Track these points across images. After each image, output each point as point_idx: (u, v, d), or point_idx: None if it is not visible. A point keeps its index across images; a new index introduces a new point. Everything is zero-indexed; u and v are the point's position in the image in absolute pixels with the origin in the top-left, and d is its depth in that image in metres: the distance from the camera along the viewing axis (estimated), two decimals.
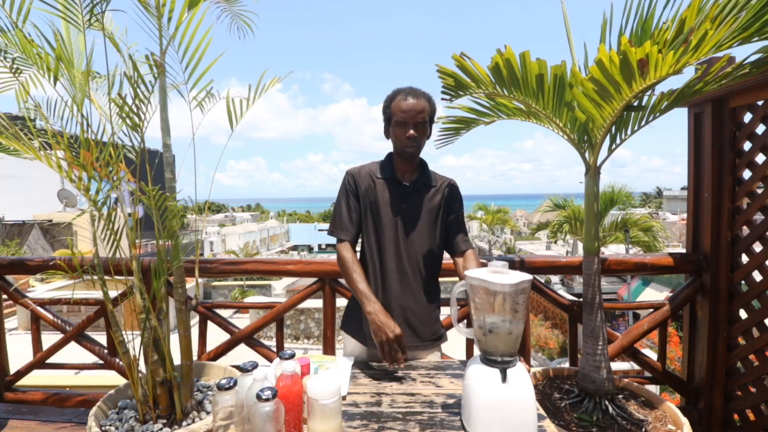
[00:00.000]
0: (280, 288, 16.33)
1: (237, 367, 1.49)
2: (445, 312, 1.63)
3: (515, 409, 1.01)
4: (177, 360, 1.30)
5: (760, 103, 1.63)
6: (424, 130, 1.42)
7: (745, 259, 1.73)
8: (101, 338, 2.09)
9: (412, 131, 1.38)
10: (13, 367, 2.14)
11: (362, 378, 1.35)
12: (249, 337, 2.02)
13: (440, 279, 1.56)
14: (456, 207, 1.51)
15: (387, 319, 1.28)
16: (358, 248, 1.50)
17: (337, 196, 1.50)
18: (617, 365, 5.48)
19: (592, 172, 1.45)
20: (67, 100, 1.21)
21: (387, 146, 1.51)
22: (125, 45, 1.18)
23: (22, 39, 1.10)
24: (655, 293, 14.32)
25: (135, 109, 1.19)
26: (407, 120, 1.38)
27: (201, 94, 1.29)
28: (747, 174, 1.71)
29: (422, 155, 1.53)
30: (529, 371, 1.23)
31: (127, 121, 1.20)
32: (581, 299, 1.59)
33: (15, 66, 1.24)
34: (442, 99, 1.39)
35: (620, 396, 1.56)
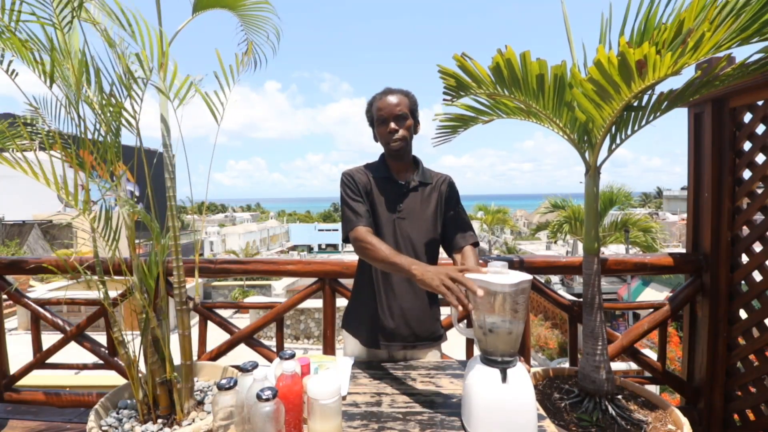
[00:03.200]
0: (280, 288, 16.34)
1: (237, 367, 1.49)
2: (445, 312, 1.63)
3: (515, 409, 1.01)
4: (177, 360, 1.30)
5: (760, 103, 1.63)
6: (405, 123, 1.41)
7: (745, 259, 1.73)
8: (101, 338, 2.09)
9: (392, 124, 1.40)
10: (13, 367, 2.14)
11: (362, 378, 1.35)
12: (249, 337, 2.02)
13: None
14: (453, 203, 1.50)
15: (433, 267, 1.12)
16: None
17: (341, 201, 1.45)
18: (617, 365, 5.47)
19: (592, 172, 1.45)
20: (62, 99, 1.21)
21: None
22: (116, 41, 1.17)
23: (17, 44, 1.10)
24: (655, 293, 14.32)
25: (132, 111, 1.19)
26: (386, 116, 1.40)
27: (182, 90, 1.27)
28: (747, 174, 1.71)
29: (422, 155, 1.53)
30: (529, 371, 1.23)
31: (122, 120, 1.19)
32: (581, 299, 1.59)
33: (11, 69, 1.23)
34: (444, 100, 1.39)
35: (620, 396, 1.56)
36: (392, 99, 1.40)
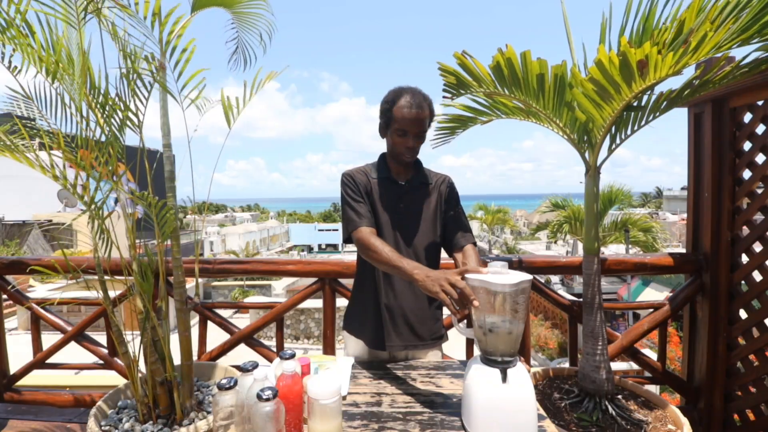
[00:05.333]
0: (280, 288, 16.34)
1: (237, 367, 1.49)
2: (445, 312, 1.63)
3: (515, 409, 1.01)
4: (177, 360, 1.30)
5: (760, 103, 1.62)
6: (423, 138, 1.41)
7: (745, 259, 1.73)
8: (101, 338, 2.08)
9: (412, 143, 1.37)
10: (13, 367, 2.14)
11: (362, 378, 1.35)
12: (249, 337, 2.02)
13: None
14: (453, 203, 1.50)
15: (435, 272, 1.11)
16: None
17: (341, 201, 1.45)
18: (617, 365, 5.48)
19: (592, 172, 1.45)
20: (64, 97, 1.20)
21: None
22: (118, 42, 1.17)
23: (21, 39, 1.10)
24: (655, 293, 14.32)
25: (135, 109, 1.19)
26: (408, 130, 1.35)
27: (193, 93, 1.27)
28: (747, 174, 1.71)
29: (421, 155, 1.53)
30: (529, 371, 1.23)
31: (126, 120, 1.19)
32: (581, 299, 1.59)
33: (13, 65, 1.23)
34: (444, 98, 1.39)
35: (620, 396, 1.56)
36: (420, 115, 1.33)
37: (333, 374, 1.09)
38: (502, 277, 1.03)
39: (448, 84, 1.33)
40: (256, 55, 1.55)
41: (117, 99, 1.17)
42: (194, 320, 1.78)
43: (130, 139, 1.25)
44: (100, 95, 1.17)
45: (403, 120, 1.34)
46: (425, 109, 1.35)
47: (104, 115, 1.18)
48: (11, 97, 1.28)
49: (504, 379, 1.02)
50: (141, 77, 1.17)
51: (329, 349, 1.98)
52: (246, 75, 1.31)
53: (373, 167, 1.49)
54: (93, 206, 1.15)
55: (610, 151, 1.47)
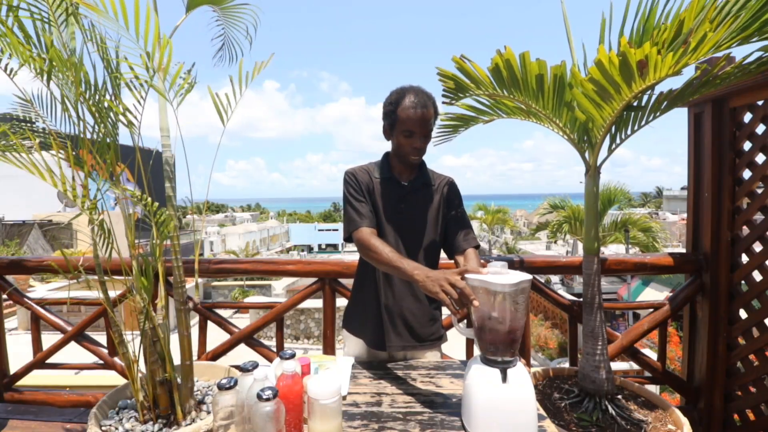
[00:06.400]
0: (280, 288, 16.32)
1: (237, 367, 1.49)
2: (445, 312, 1.63)
3: (515, 409, 1.01)
4: (177, 360, 1.30)
5: (760, 103, 1.62)
6: (429, 137, 1.40)
7: (745, 259, 1.73)
8: (101, 338, 2.09)
9: (419, 143, 1.36)
10: (13, 367, 2.14)
11: (362, 378, 1.35)
12: (249, 337, 2.02)
13: None
14: (455, 205, 1.50)
15: (435, 272, 1.11)
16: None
17: (343, 199, 1.44)
18: (617, 365, 5.48)
19: (592, 172, 1.45)
20: (59, 97, 1.20)
21: (387, 146, 1.50)
22: (95, 41, 1.17)
23: (14, 42, 1.09)
24: (655, 293, 14.31)
25: (123, 109, 1.19)
26: (414, 131, 1.34)
27: (182, 89, 1.25)
28: (747, 174, 1.71)
29: None
30: (529, 371, 1.23)
31: (123, 120, 1.19)
32: (581, 299, 1.59)
33: (10, 68, 1.23)
34: (443, 102, 1.39)
35: (620, 396, 1.56)
36: (425, 115, 1.32)
37: (333, 374, 1.09)
38: (502, 277, 1.04)
39: (447, 89, 1.33)
40: (242, 52, 1.55)
41: (114, 98, 1.17)
42: (194, 320, 1.78)
43: (126, 138, 1.25)
44: (97, 93, 1.16)
45: (409, 121, 1.33)
46: (430, 108, 1.34)
47: (100, 114, 1.17)
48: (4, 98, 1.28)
49: (504, 379, 1.02)
50: (137, 75, 1.17)
51: (329, 349, 1.98)
52: (236, 72, 1.30)
53: (377, 166, 1.49)
54: (86, 204, 1.14)
55: (610, 151, 1.47)
